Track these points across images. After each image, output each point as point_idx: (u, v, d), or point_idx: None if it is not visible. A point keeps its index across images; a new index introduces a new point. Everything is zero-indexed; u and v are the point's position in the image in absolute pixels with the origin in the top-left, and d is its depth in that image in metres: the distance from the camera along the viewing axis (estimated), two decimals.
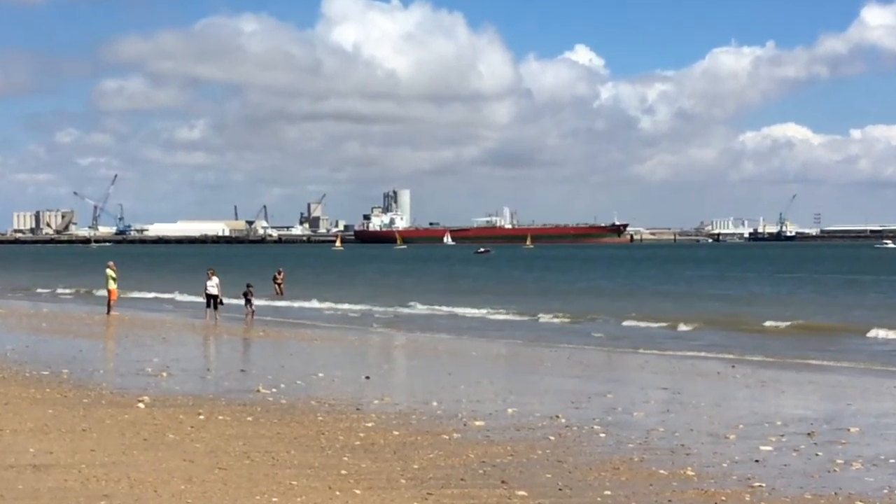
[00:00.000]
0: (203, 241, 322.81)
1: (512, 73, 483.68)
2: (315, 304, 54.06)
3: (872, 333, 36.80)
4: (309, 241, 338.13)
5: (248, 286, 44.34)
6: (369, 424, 17.10)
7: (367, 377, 23.76)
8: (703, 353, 31.19)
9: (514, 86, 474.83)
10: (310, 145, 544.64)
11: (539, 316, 45.82)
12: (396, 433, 16.35)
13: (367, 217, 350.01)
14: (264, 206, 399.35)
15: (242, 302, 44.25)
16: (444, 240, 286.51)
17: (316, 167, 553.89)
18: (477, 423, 17.51)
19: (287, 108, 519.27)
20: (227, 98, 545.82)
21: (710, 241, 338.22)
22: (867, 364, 28.59)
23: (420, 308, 51.10)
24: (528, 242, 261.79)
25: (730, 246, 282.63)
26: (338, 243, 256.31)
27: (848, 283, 78.39)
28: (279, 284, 59.71)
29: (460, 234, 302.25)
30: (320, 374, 23.94)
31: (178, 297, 59.55)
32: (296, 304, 53.97)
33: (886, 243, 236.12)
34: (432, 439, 15.90)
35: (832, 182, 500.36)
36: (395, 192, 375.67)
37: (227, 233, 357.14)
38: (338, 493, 12.24)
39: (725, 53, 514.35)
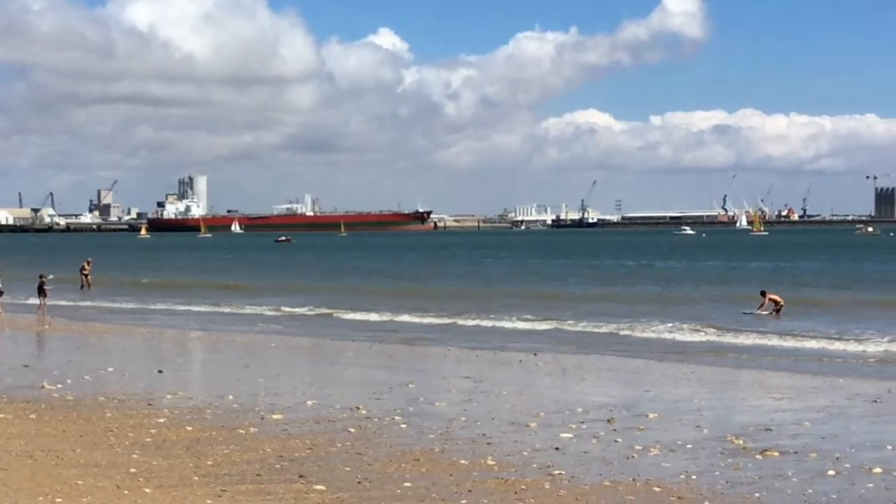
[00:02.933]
0: None
1: (314, 56, 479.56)
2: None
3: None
4: (99, 229, 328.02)
5: (41, 277, 42.76)
6: (161, 420, 16.50)
7: (160, 371, 23.07)
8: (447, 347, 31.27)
9: (317, 69, 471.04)
10: (101, 129, 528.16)
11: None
12: (190, 429, 15.81)
13: (161, 204, 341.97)
14: (51, 193, 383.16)
15: (38, 295, 42.50)
16: (233, 228, 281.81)
17: (107, 152, 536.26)
18: (275, 416, 17.08)
19: (77, 90, 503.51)
20: (12, 79, 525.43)
21: (524, 228, 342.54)
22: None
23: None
24: (342, 230, 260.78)
25: (530, 233, 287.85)
26: (143, 232, 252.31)
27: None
28: (86, 276, 57.75)
29: (259, 222, 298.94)
30: (110, 369, 23.12)
31: None
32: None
33: (685, 230, 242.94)
34: (227, 434, 15.42)
35: (633, 169, 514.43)
36: (190, 179, 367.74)
37: (10, 221, 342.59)
38: (126, 492, 11.75)
39: (529, 39, 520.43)
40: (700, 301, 46.30)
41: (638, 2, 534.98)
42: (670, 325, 35.22)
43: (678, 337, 32.54)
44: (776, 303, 39.14)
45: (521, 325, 36.80)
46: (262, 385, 21.01)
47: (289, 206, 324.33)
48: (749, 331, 33.41)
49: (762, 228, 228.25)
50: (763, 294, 39.76)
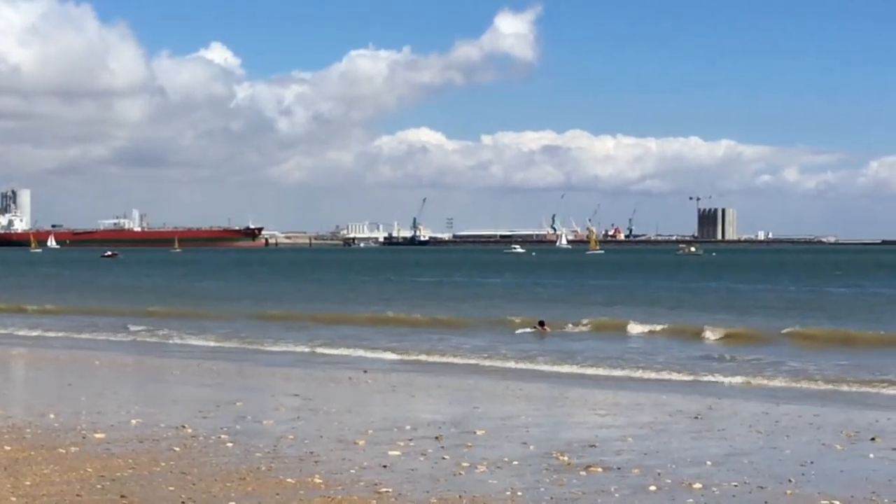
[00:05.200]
0: None
1: (144, 69, 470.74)
2: None
3: None
4: None
5: None
6: None
7: None
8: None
9: (147, 83, 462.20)
10: None
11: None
12: (8, 448, 15.33)
13: None
14: None
15: None
16: (49, 243, 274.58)
17: None
18: (97, 435, 16.67)
19: None
20: None
21: (362, 245, 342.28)
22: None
23: None
24: (175, 246, 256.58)
25: (362, 251, 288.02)
26: None
27: None
28: None
29: (85, 237, 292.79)
30: None
31: None
32: None
33: (515, 248, 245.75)
34: (47, 454, 14.99)
35: (465, 187, 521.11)
36: (13, 192, 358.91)
37: None
38: None
39: (363, 57, 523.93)
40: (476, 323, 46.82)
41: (470, 23, 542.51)
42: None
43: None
44: (542, 324, 42.17)
45: (275, 347, 36.36)
46: (85, 404, 20.50)
47: (116, 220, 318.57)
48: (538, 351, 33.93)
49: (598, 247, 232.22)
50: (541, 324, 42.28)
